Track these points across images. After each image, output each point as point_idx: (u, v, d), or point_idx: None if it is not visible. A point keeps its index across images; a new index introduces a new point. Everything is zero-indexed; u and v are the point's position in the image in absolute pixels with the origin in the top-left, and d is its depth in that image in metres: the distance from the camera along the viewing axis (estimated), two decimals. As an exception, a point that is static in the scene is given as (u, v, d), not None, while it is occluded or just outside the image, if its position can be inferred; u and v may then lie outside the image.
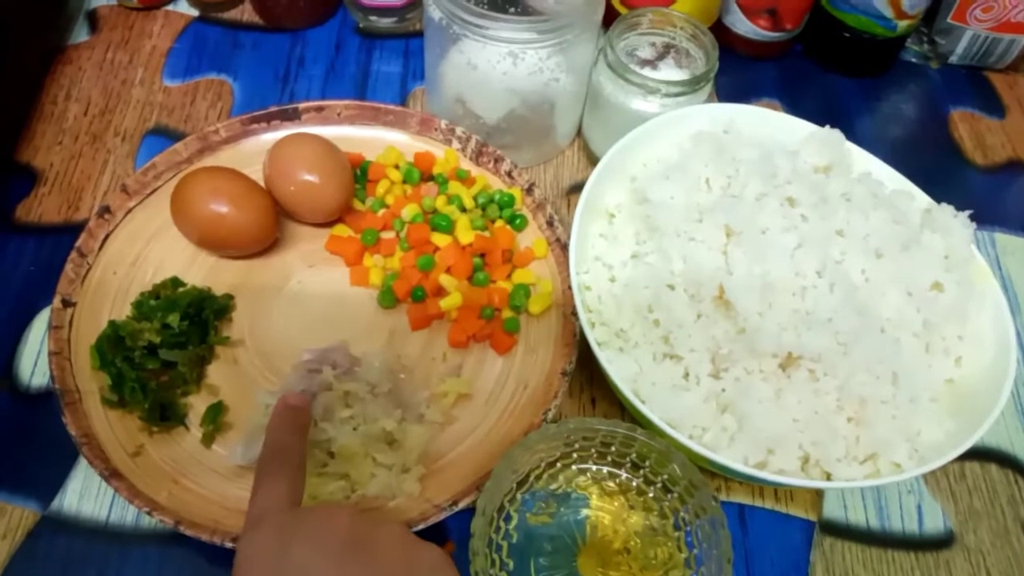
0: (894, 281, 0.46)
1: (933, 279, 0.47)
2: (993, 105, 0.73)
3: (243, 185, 0.54)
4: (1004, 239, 0.64)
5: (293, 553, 0.35)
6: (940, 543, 0.50)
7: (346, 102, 0.61)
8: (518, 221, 0.58)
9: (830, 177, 0.51)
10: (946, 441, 0.44)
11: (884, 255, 0.47)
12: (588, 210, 0.50)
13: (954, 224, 0.49)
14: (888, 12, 0.67)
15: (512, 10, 0.66)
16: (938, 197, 0.52)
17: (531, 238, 0.58)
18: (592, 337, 0.45)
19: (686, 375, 0.45)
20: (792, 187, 0.48)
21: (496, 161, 0.60)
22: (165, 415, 0.49)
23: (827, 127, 0.53)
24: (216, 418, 0.49)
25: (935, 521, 0.51)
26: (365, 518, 0.38)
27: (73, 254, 0.53)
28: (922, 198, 0.52)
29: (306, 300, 0.55)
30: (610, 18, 0.60)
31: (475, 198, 0.58)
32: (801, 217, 0.47)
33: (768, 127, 0.53)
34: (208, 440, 0.49)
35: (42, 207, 0.59)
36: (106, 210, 0.55)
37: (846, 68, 0.73)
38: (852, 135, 0.53)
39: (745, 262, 0.44)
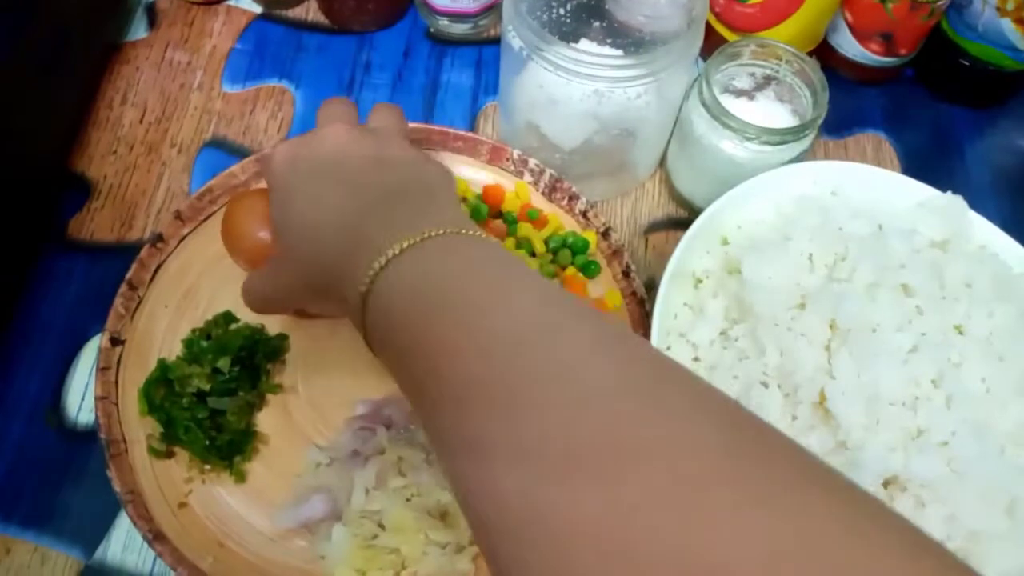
0: (1019, 389, 0.41)
1: (1061, 386, 0.42)
2: None
3: None
4: None
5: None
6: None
7: (414, 125, 0.57)
8: (591, 268, 0.54)
9: (948, 254, 0.45)
10: (1066, 582, 0.39)
11: (1006, 358, 0.41)
12: (674, 278, 0.45)
13: (1091, 321, 0.43)
14: (1022, 44, 0.59)
15: (597, 24, 0.61)
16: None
17: (603, 287, 0.54)
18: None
19: (773, 481, 0.41)
20: (907, 272, 0.43)
21: (571, 199, 0.56)
22: (231, 450, 0.47)
23: (948, 193, 0.48)
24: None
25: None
26: None
27: (123, 287, 0.50)
28: (1052, 282, 0.46)
29: (361, 343, 0.52)
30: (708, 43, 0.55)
31: (546, 242, 0.54)
32: (916, 310, 0.42)
33: (881, 192, 0.48)
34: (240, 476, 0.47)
35: (95, 223, 0.56)
36: (159, 238, 0.52)
37: (961, 98, 0.66)
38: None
39: (851, 366, 0.39)
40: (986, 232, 0.48)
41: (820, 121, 0.51)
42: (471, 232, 0.35)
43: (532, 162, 0.56)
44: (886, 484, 0.39)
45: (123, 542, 0.47)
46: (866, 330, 0.40)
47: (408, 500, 0.46)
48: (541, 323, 0.29)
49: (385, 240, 0.34)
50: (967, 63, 0.63)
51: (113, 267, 0.53)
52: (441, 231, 0.34)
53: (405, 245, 0.33)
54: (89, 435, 0.49)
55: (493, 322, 0.29)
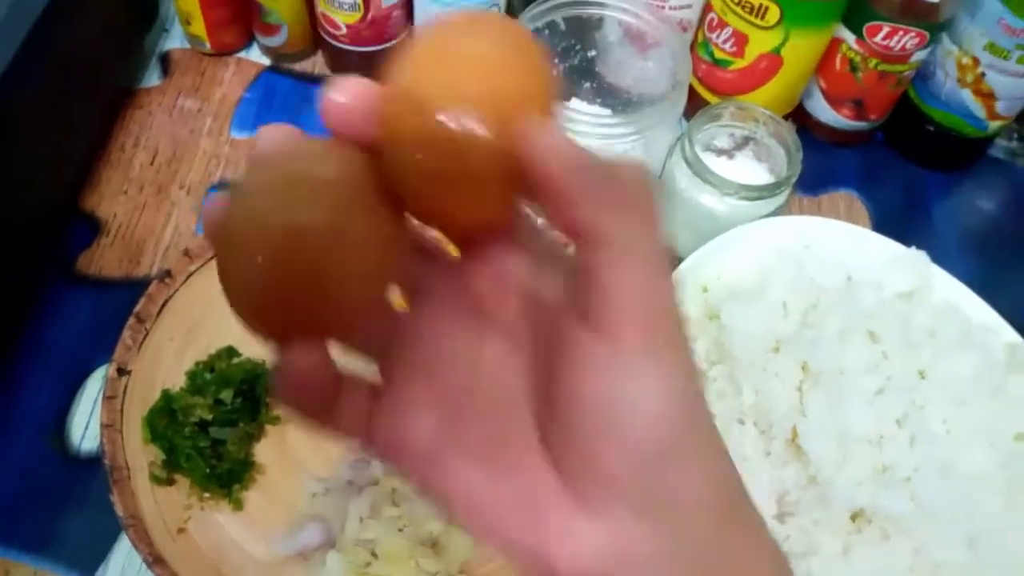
0: (977, 431, 0.44)
1: (1018, 430, 0.45)
2: (1084, 209, 0.70)
3: None
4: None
5: None
6: None
7: (413, 173, 0.60)
8: (579, 311, 0.57)
9: (913, 305, 0.49)
10: (1025, 613, 0.41)
11: (966, 402, 0.44)
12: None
13: (1045, 369, 0.46)
14: (981, 113, 0.64)
15: (588, 85, 0.65)
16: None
17: (591, 330, 0.56)
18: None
19: (749, 514, 0.43)
20: (874, 321, 0.46)
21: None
22: (230, 478, 0.49)
23: (912, 248, 0.51)
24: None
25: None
26: None
27: (131, 320, 0.52)
28: (1009, 333, 0.49)
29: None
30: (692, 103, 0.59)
31: (537, 286, 0.57)
32: (883, 355, 0.45)
33: (851, 246, 0.51)
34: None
35: (103, 259, 0.59)
36: (167, 274, 0.54)
37: (928, 161, 0.70)
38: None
39: (823, 406, 0.42)
40: (949, 286, 0.51)
41: (794, 179, 0.54)
42: None
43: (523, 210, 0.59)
44: (854, 517, 0.42)
45: (121, 567, 0.48)
46: (836, 373, 0.43)
47: (401, 530, 0.47)
48: None
49: None
50: (932, 128, 0.67)
51: (119, 301, 0.55)
52: None
53: None
54: (91, 462, 0.51)
55: None
